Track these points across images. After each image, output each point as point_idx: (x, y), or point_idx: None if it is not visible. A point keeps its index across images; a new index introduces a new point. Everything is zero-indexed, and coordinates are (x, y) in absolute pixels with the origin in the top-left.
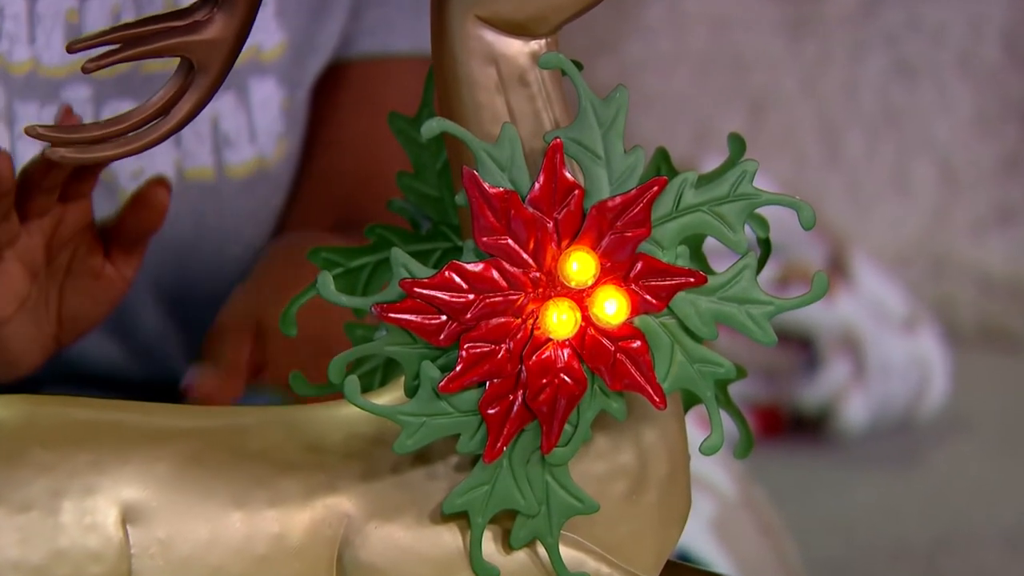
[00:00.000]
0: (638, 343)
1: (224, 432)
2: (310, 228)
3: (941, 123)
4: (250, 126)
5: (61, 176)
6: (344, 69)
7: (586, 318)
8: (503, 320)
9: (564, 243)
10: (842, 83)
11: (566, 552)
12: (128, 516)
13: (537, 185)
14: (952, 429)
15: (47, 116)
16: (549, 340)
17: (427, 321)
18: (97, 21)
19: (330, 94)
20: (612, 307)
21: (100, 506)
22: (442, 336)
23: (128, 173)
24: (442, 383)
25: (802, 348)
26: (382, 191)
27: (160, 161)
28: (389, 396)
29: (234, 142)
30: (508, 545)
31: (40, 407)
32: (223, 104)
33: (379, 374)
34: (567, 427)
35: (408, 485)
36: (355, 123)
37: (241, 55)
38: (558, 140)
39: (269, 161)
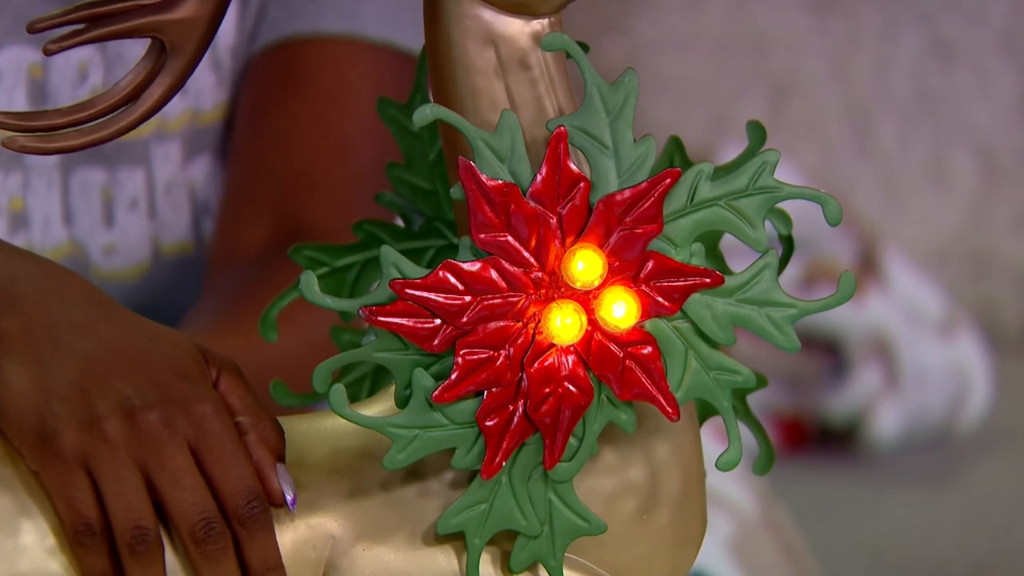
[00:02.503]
0: (649, 349)
1: None
2: (243, 222)
3: (981, 108)
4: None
5: None
6: (274, 52)
7: (592, 322)
8: (502, 324)
9: (568, 240)
10: (872, 65)
11: None
12: None
13: (539, 177)
14: (993, 442)
15: None
16: (552, 346)
17: (420, 325)
18: None
19: (257, 80)
20: (621, 310)
21: None
22: (436, 341)
23: (100, 248)
24: (436, 392)
25: (829, 354)
26: (318, 188)
27: None
28: (378, 407)
29: None
30: (508, 569)
31: None
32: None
33: (367, 383)
34: (572, 440)
35: (399, 504)
36: (284, 109)
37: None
38: (562, 128)
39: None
